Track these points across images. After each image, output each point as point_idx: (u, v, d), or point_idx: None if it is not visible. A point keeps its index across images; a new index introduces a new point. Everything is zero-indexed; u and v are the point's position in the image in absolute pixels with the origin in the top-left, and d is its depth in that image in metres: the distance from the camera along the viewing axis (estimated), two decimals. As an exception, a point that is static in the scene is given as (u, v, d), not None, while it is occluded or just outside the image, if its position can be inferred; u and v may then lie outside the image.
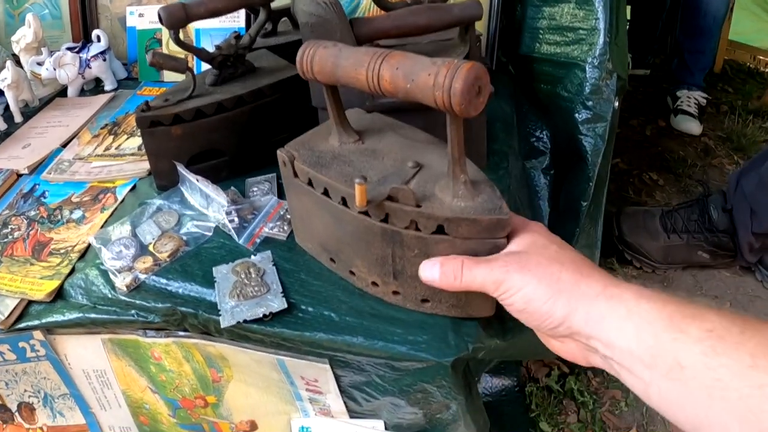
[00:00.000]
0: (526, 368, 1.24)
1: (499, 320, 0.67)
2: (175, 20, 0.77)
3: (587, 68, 1.08)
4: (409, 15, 0.78)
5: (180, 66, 0.79)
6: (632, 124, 2.12)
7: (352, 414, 0.77)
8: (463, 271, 0.53)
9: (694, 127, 2.13)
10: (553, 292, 0.48)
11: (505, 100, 1.10)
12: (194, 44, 1.13)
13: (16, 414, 0.91)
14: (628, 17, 2.22)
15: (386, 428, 0.76)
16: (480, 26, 1.17)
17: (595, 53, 1.07)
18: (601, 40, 1.06)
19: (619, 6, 1.09)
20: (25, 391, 0.88)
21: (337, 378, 0.71)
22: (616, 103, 1.09)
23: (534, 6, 1.15)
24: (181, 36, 1.15)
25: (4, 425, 0.93)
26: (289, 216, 0.77)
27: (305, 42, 0.61)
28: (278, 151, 0.66)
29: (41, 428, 0.93)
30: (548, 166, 1.17)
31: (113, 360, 0.81)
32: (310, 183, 0.64)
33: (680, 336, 0.41)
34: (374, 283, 0.66)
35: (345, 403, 0.75)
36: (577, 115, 1.11)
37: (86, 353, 0.82)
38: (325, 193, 0.62)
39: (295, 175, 0.66)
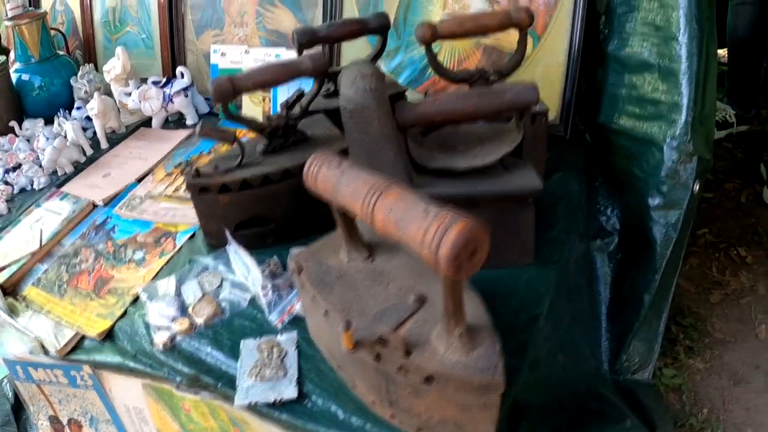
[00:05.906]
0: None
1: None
2: (223, 94, 0.78)
3: (665, 149, 0.96)
4: (456, 100, 0.74)
5: (227, 137, 0.81)
6: (727, 188, 1.86)
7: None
8: None
9: None
10: None
11: (574, 175, 1.02)
12: (271, 96, 1.16)
13: (66, 427, 1.00)
14: (725, 62, 1.95)
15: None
16: (555, 89, 1.11)
17: (675, 132, 0.95)
18: (682, 119, 0.94)
19: (707, 78, 0.96)
20: (75, 410, 0.96)
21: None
22: (696, 187, 0.96)
23: (615, 72, 1.05)
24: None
25: (57, 435, 1.02)
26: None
27: (314, 154, 0.59)
28: (289, 260, 0.65)
29: (89, 443, 1.00)
30: (615, 250, 1.06)
31: (150, 402, 0.86)
32: (314, 298, 0.63)
33: None
34: (374, 402, 0.64)
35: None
36: (649, 199, 0.99)
37: (128, 392, 0.87)
38: (326, 314, 0.61)
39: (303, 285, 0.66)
